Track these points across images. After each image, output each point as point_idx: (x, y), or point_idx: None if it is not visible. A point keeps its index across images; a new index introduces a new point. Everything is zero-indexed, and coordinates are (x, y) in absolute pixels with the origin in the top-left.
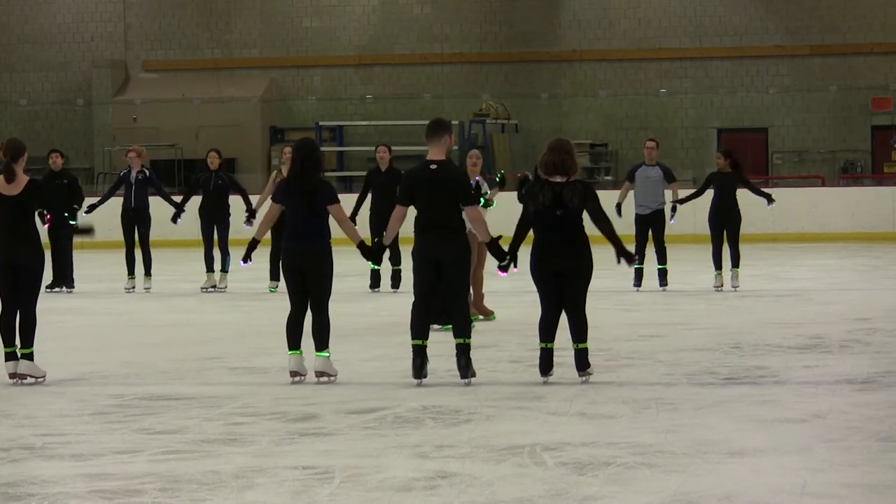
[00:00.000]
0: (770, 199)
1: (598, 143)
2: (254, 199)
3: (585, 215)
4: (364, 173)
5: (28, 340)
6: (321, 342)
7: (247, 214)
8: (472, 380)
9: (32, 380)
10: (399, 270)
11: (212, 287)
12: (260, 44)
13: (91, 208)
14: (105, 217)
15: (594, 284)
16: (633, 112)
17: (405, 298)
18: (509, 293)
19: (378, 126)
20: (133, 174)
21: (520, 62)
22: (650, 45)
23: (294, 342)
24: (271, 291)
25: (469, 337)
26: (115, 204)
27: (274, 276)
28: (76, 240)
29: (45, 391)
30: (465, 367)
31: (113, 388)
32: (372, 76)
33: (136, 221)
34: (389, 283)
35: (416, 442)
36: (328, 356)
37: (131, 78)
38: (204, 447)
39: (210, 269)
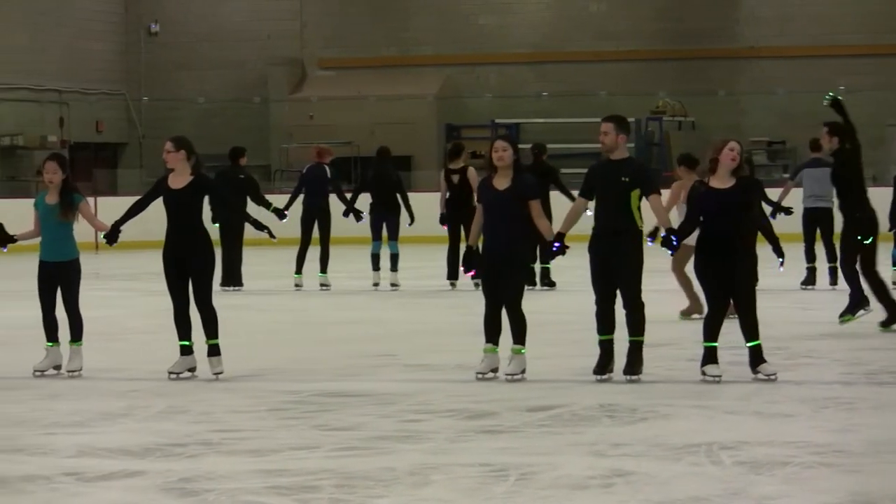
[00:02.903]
0: None
1: (776, 140)
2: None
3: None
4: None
5: (211, 332)
6: (520, 336)
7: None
8: (640, 377)
9: (215, 376)
10: (547, 268)
11: (391, 285)
12: (435, 41)
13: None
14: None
15: (768, 283)
16: (811, 109)
17: (569, 296)
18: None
19: (553, 124)
20: (319, 171)
21: (695, 59)
22: (826, 42)
23: (492, 336)
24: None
25: (642, 335)
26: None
27: (452, 276)
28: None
29: (221, 387)
30: (630, 366)
31: (288, 385)
32: (547, 73)
33: (317, 218)
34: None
35: (591, 440)
36: (525, 352)
37: (307, 75)
38: (379, 444)
39: (375, 266)
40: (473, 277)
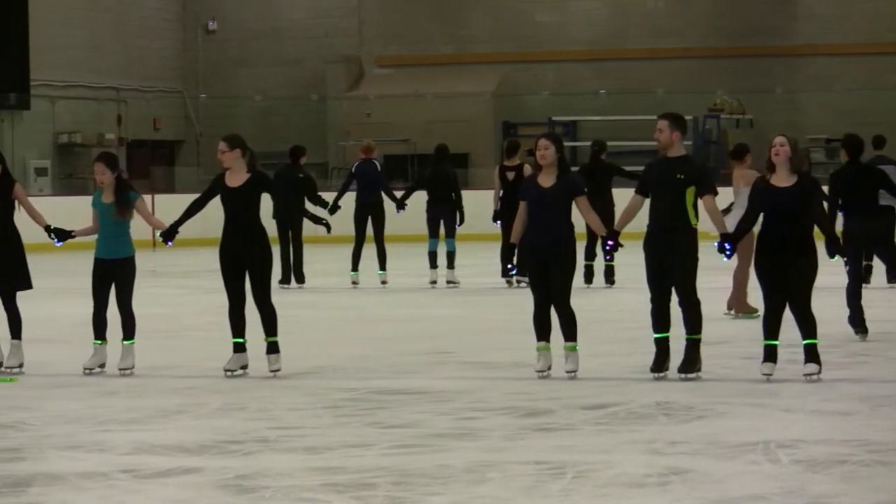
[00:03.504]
0: None
1: (834, 138)
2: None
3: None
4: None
5: (270, 329)
6: (571, 333)
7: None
8: (699, 375)
9: (272, 374)
10: (590, 265)
11: (448, 282)
12: (492, 39)
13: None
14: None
15: (825, 281)
16: (868, 107)
17: (625, 294)
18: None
19: (610, 121)
20: (369, 167)
21: (753, 56)
22: (884, 39)
23: (543, 334)
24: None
25: (699, 333)
26: (349, 198)
27: (507, 273)
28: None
29: (278, 384)
30: (687, 364)
31: (345, 382)
32: (604, 71)
33: (371, 215)
34: (604, 278)
35: (648, 438)
36: (578, 349)
37: (365, 73)
38: (435, 441)
39: (433, 264)
40: (513, 274)
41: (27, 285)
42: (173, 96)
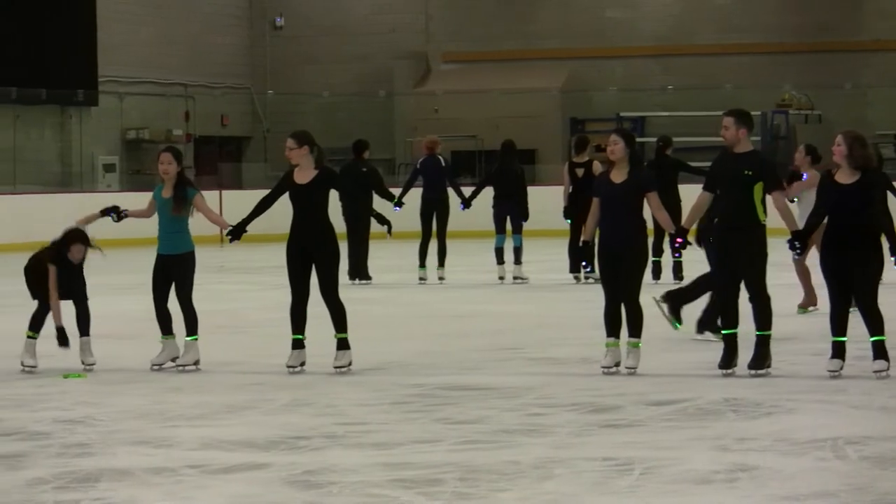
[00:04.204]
0: None
1: None
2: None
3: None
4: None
5: (339, 326)
6: (637, 330)
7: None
8: (769, 371)
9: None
10: (658, 261)
11: (515, 278)
12: (560, 35)
13: (398, 203)
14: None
15: (892, 277)
16: None
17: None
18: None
19: (678, 117)
20: (434, 162)
21: (821, 52)
22: None
23: (613, 330)
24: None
25: (768, 329)
26: (415, 194)
27: (575, 269)
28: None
29: (346, 380)
30: (757, 360)
31: (412, 378)
32: (672, 66)
33: (435, 211)
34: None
35: (716, 434)
36: (641, 346)
37: (432, 69)
38: (503, 437)
39: (500, 260)
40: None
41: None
42: (240, 93)
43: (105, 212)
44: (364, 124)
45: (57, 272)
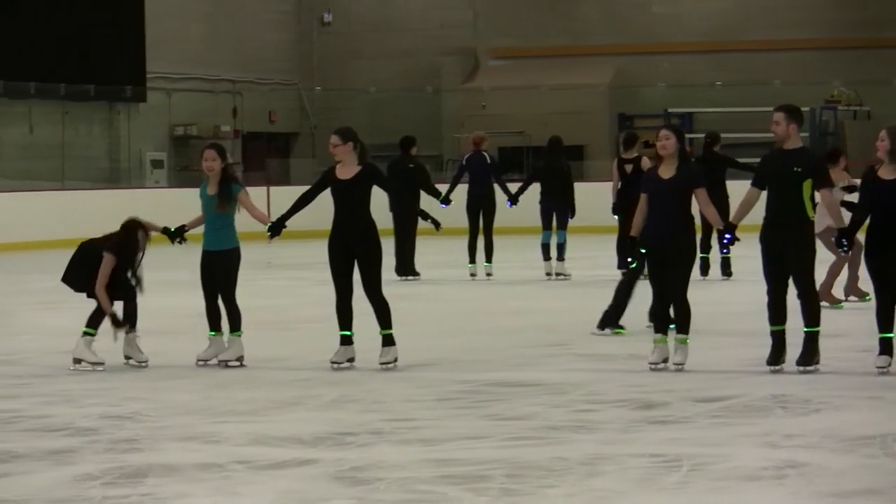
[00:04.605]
0: None
1: None
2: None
3: None
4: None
5: (384, 322)
6: (684, 326)
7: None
8: (817, 368)
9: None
10: (706, 258)
11: (557, 275)
12: (607, 30)
13: (445, 200)
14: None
15: None
16: None
17: (741, 286)
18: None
19: (727, 113)
20: (479, 159)
21: (870, 48)
22: None
23: (661, 326)
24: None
25: (817, 326)
26: (461, 190)
27: (623, 265)
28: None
29: (392, 376)
30: (805, 356)
31: (459, 374)
32: (720, 62)
33: (482, 207)
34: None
35: (764, 431)
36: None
37: (480, 65)
38: (550, 434)
39: (546, 256)
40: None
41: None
42: (288, 89)
43: (167, 232)
44: (411, 120)
45: (113, 262)
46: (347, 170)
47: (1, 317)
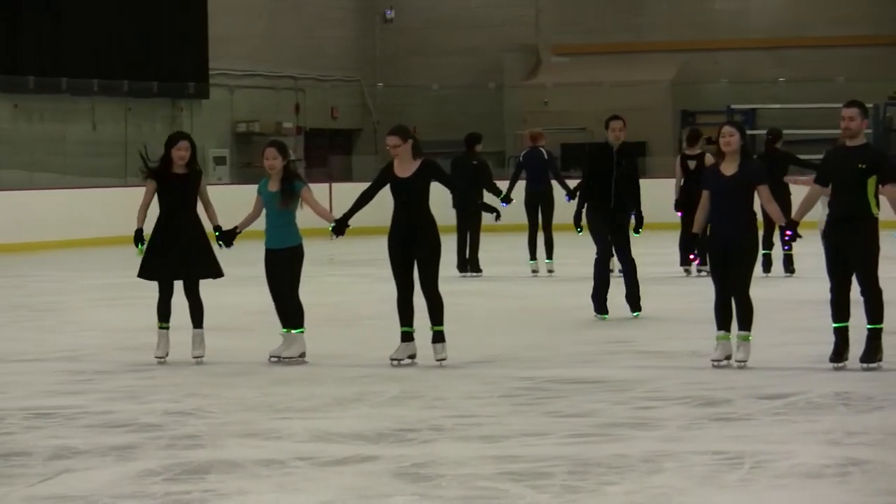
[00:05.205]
0: None
1: None
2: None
3: None
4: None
5: (436, 318)
6: (746, 323)
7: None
8: (880, 364)
9: (444, 361)
10: (768, 254)
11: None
12: (670, 27)
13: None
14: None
15: None
16: None
17: (804, 283)
18: None
19: (790, 109)
20: (536, 155)
21: None
22: None
23: (724, 323)
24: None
25: (881, 322)
26: (520, 186)
27: (685, 262)
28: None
29: (454, 373)
30: (869, 353)
31: (521, 371)
32: (784, 59)
33: (539, 203)
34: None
35: (826, 428)
36: (751, 339)
37: (542, 62)
38: (612, 430)
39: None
40: (697, 264)
41: (216, 272)
42: (351, 85)
43: (219, 232)
44: (473, 117)
45: (156, 188)
46: (406, 167)
47: (64, 313)
